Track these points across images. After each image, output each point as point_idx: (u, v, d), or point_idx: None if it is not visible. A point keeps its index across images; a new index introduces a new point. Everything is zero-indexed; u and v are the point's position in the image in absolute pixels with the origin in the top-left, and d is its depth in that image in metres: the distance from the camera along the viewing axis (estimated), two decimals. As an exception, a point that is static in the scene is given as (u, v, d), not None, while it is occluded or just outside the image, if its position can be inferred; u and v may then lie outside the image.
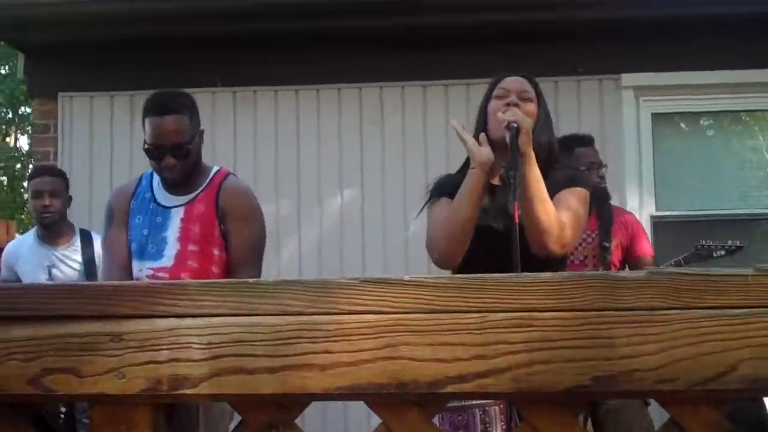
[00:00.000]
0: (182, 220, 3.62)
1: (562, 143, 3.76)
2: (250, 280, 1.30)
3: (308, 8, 6.09)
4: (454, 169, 3.36)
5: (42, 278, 4.86)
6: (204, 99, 6.21)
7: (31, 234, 5.12)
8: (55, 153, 6.39)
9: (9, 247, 5.30)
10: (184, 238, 3.59)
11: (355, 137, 6.24)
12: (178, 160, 3.57)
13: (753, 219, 6.13)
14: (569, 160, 4.16)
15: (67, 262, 4.94)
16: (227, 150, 6.18)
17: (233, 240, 3.60)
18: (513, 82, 3.17)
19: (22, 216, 19.79)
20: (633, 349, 1.23)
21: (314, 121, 6.28)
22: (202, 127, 3.75)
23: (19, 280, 4.94)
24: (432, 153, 6.08)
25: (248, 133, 6.29)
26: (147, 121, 3.59)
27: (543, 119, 3.16)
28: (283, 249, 6.08)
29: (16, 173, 23.55)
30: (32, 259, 4.95)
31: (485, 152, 2.95)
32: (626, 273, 1.30)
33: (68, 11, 6.34)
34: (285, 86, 6.32)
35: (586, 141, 4.66)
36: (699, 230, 5.85)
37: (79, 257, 4.96)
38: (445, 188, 3.18)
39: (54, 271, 4.90)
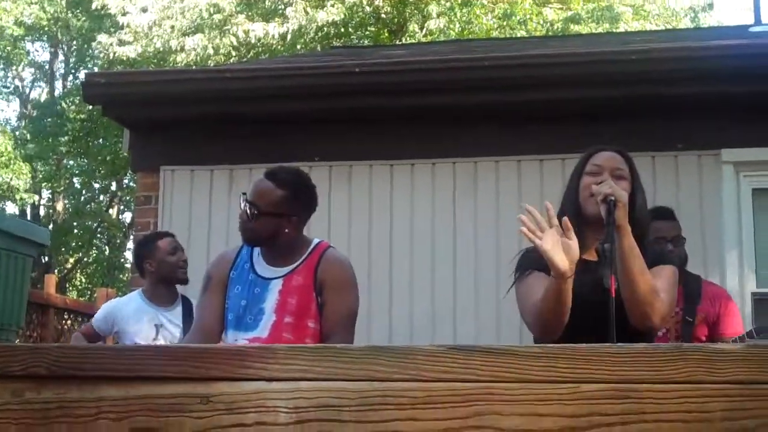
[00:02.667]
0: (280, 292, 3.65)
1: None
2: (338, 346, 1.30)
3: (404, 86, 6.19)
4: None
5: (151, 335, 5.00)
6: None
7: (136, 295, 5.26)
8: (155, 224, 6.55)
9: (112, 304, 5.46)
10: (280, 309, 3.62)
11: (448, 210, 6.24)
12: (247, 220, 3.67)
13: None
14: None
15: (175, 322, 5.08)
16: (322, 220, 6.25)
17: (327, 308, 3.62)
18: (607, 159, 3.12)
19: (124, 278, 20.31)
20: (731, 424, 1.19)
21: (408, 194, 6.32)
22: (301, 218, 3.78)
23: (109, 336, 5.09)
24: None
25: (343, 205, 6.36)
26: None
27: (637, 197, 3.11)
28: (374, 322, 6.07)
29: (119, 242, 24.24)
30: (141, 318, 5.10)
31: (564, 262, 2.80)
32: (723, 345, 1.26)
33: (171, 89, 6.57)
34: (380, 161, 6.40)
35: (664, 214, 4.51)
36: (802, 308, 5.64)
37: (180, 321, 5.07)
38: (532, 263, 3.13)
39: (162, 330, 5.02)
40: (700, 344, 1.74)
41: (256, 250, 3.78)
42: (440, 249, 6.21)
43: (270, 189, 3.68)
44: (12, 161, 20.34)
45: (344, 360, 1.27)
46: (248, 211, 3.66)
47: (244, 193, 3.76)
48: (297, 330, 3.60)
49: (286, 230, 3.71)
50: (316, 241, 3.81)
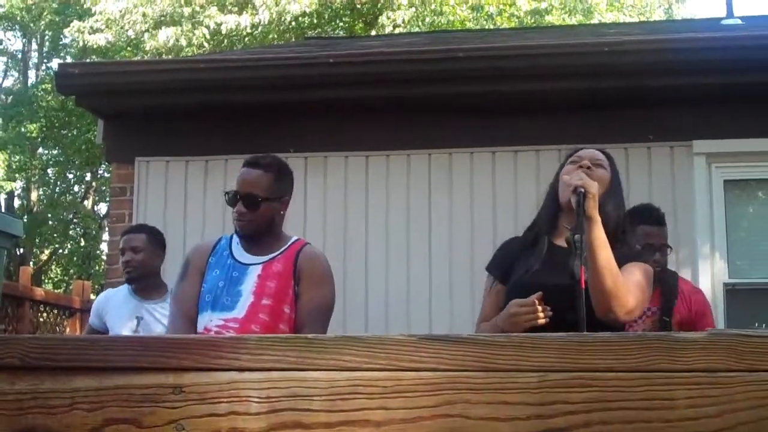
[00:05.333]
0: (259, 276, 3.70)
1: (629, 213, 3.67)
2: (309, 336, 1.32)
3: (378, 77, 6.20)
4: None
5: (130, 326, 4.98)
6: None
7: (125, 287, 5.25)
8: (131, 215, 6.53)
9: (101, 297, 5.46)
10: (258, 292, 3.66)
11: (423, 201, 6.27)
12: (248, 210, 3.69)
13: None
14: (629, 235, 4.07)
15: (156, 315, 5.05)
16: (297, 211, 6.26)
17: (303, 299, 3.67)
18: (586, 152, 3.22)
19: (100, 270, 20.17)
20: (694, 411, 1.21)
21: (383, 185, 6.34)
22: (288, 199, 3.86)
23: (105, 328, 5.07)
24: (500, 216, 6.07)
25: (318, 197, 6.37)
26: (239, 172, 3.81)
27: (613, 189, 3.17)
28: (349, 315, 6.09)
29: (94, 234, 24.10)
30: (123, 310, 5.08)
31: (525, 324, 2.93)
32: (687, 334, 1.28)
33: (145, 79, 6.55)
34: (355, 152, 6.41)
35: (657, 219, 4.48)
36: (773, 298, 5.72)
37: (167, 314, 5.04)
38: (505, 261, 3.22)
39: (142, 322, 5.00)
40: (663, 333, 1.77)
41: (235, 240, 3.81)
42: (415, 239, 6.23)
43: (260, 175, 3.72)
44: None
45: (315, 349, 1.29)
46: (245, 204, 3.69)
47: (227, 192, 3.77)
48: (273, 313, 3.64)
49: (282, 212, 3.83)
50: (294, 238, 3.88)
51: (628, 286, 2.92)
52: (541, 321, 2.90)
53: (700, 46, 6.10)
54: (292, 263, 3.71)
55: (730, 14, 9.10)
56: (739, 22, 8.43)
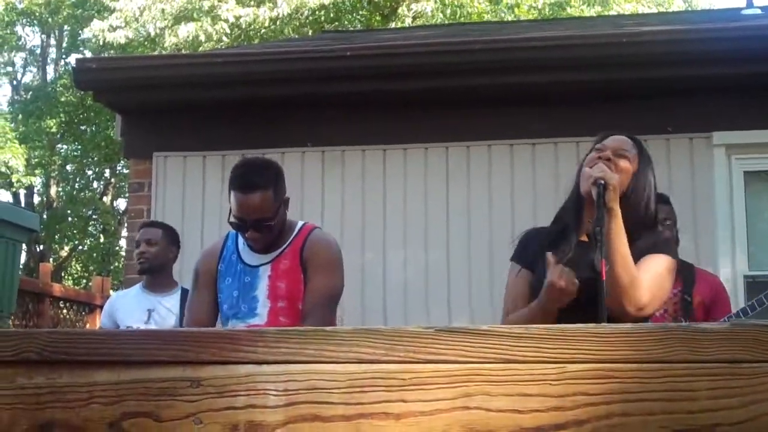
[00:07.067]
0: (269, 277, 3.66)
1: None
2: (327, 328, 1.31)
3: (395, 69, 6.19)
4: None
5: (142, 319, 5.03)
6: (293, 158, 6.34)
7: (137, 286, 5.33)
8: (149, 211, 6.55)
9: (112, 298, 5.55)
10: (272, 295, 3.64)
11: (441, 194, 6.25)
12: (261, 233, 3.63)
13: None
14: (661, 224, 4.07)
15: (167, 306, 5.11)
16: (315, 206, 6.26)
17: (310, 285, 3.62)
18: (613, 140, 3.13)
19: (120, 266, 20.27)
20: (715, 403, 1.20)
21: (401, 178, 6.34)
22: (287, 195, 3.79)
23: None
24: (518, 208, 6.05)
25: (336, 190, 6.37)
26: (232, 194, 3.64)
27: (640, 180, 3.10)
28: (368, 304, 6.09)
29: (113, 230, 24.21)
30: (133, 305, 5.15)
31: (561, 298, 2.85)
32: (709, 324, 1.27)
33: (163, 74, 6.56)
34: (372, 146, 6.40)
35: (661, 199, 4.53)
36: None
37: (177, 309, 5.09)
38: (529, 251, 3.16)
39: (154, 314, 5.05)
40: (684, 323, 1.75)
41: (241, 238, 3.77)
42: (433, 232, 6.23)
43: (261, 197, 3.58)
44: (8, 142, 20.21)
45: (333, 342, 1.29)
46: (257, 229, 3.60)
47: (233, 222, 3.66)
48: (291, 312, 3.62)
49: (287, 210, 3.77)
50: (300, 224, 3.80)
51: (642, 281, 2.87)
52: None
53: (718, 36, 6.05)
54: (298, 256, 3.66)
55: (749, 4, 9.04)
56: (759, 11, 8.36)
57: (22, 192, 24.02)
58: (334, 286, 3.69)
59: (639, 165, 3.13)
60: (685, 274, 4.35)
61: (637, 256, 2.92)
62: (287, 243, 3.72)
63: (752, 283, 5.88)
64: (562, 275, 2.83)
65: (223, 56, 7.13)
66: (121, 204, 24.70)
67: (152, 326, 4.98)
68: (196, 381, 1.28)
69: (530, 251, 3.17)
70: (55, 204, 24.28)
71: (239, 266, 3.73)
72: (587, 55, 6.04)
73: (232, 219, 3.66)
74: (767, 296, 4.64)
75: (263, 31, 17.26)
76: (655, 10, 18.19)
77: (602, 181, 2.88)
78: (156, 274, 5.18)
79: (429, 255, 6.20)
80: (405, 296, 6.17)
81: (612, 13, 17.41)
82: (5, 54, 26.22)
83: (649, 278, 2.91)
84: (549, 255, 2.90)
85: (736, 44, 5.91)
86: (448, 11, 17.22)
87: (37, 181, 23.30)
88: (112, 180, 25.24)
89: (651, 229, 3.10)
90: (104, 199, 25.40)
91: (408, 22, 16.93)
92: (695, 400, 1.20)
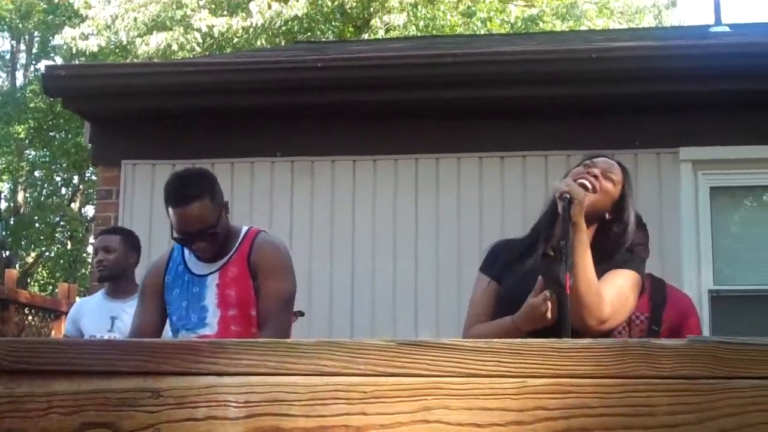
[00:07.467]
0: (218, 285, 3.63)
1: None
2: (289, 340, 1.31)
3: (365, 81, 6.20)
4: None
5: (105, 327, 4.99)
6: (263, 167, 6.33)
7: (99, 293, 5.29)
8: (116, 218, 6.51)
9: (77, 304, 5.55)
10: (222, 303, 3.61)
11: (410, 205, 6.26)
12: (207, 243, 3.61)
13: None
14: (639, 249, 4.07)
15: (130, 312, 5.05)
16: (284, 215, 6.25)
17: (262, 292, 3.60)
18: (603, 161, 3.13)
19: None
20: (673, 419, 1.21)
21: (370, 189, 6.34)
22: (226, 199, 3.75)
23: (81, 336, 5.06)
24: (486, 221, 6.07)
25: (305, 200, 6.36)
26: (170, 211, 3.60)
27: (622, 207, 3.11)
28: (336, 317, 6.09)
29: (80, 237, 24.02)
30: (97, 313, 5.11)
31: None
32: (666, 341, 1.28)
33: (133, 83, 6.53)
34: (342, 156, 6.40)
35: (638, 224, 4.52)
36: (757, 305, 5.73)
37: None
38: (498, 262, 3.17)
39: (117, 322, 5.01)
40: (643, 340, 1.76)
41: (187, 250, 3.75)
42: (401, 244, 6.23)
43: (198, 207, 3.55)
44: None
45: (295, 354, 1.29)
46: (205, 239, 3.58)
47: (176, 237, 3.64)
48: (242, 320, 3.60)
49: (228, 215, 3.73)
50: (245, 228, 3.77)
51: (605, 295, 2.89)
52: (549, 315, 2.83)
53: (686, 53, 6.12)
54: (246, 261, 3.63)
55: (718, 21, 9.15)
56: (727, 29, 8.47)
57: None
58: (287, 290, 3.66)
59: (623, 191, 3.14)
60: (655, 298, 4.31)
61: (604, 273, 2.95)
62: (233, 249, 3.68)
63: (716, 298, 5.93)
64: (546, 301, 2.85)
65: (193, 65, 7.11)
66: (90, 211, 24.53)
67: (116, 334, 4.94)
68: (156, 392, 1.28)
69: (499, 262, 3.18)
70: (22, 210, 24.08)
71: (186, 277, 3.71)
72: (558, 69, 6.07)
73: (175, 235, 3.63)
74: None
75: (236, 40, 17.24)
76: (626, 26, 18.36)
77: (567, 195, 2.89)
78: (117, 281, 5.14)
79: (397, 266, 6.20)
80: (372, 307, 6.16)
81: (583, 28, 17.55)
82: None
83: (612, 293, 2.93)
84: (540, 279, 2.90)
85: (705, 61, 5.98)
86: (421, 24, 17.29)
87: (5, 187, 23.09)
88: (81, 187, 25.06)
89: (625, 253, 3.12)
90: (72, 205, 25.22)
91: (381, 34, 16.98)
92: (654, 415, 1.21)
